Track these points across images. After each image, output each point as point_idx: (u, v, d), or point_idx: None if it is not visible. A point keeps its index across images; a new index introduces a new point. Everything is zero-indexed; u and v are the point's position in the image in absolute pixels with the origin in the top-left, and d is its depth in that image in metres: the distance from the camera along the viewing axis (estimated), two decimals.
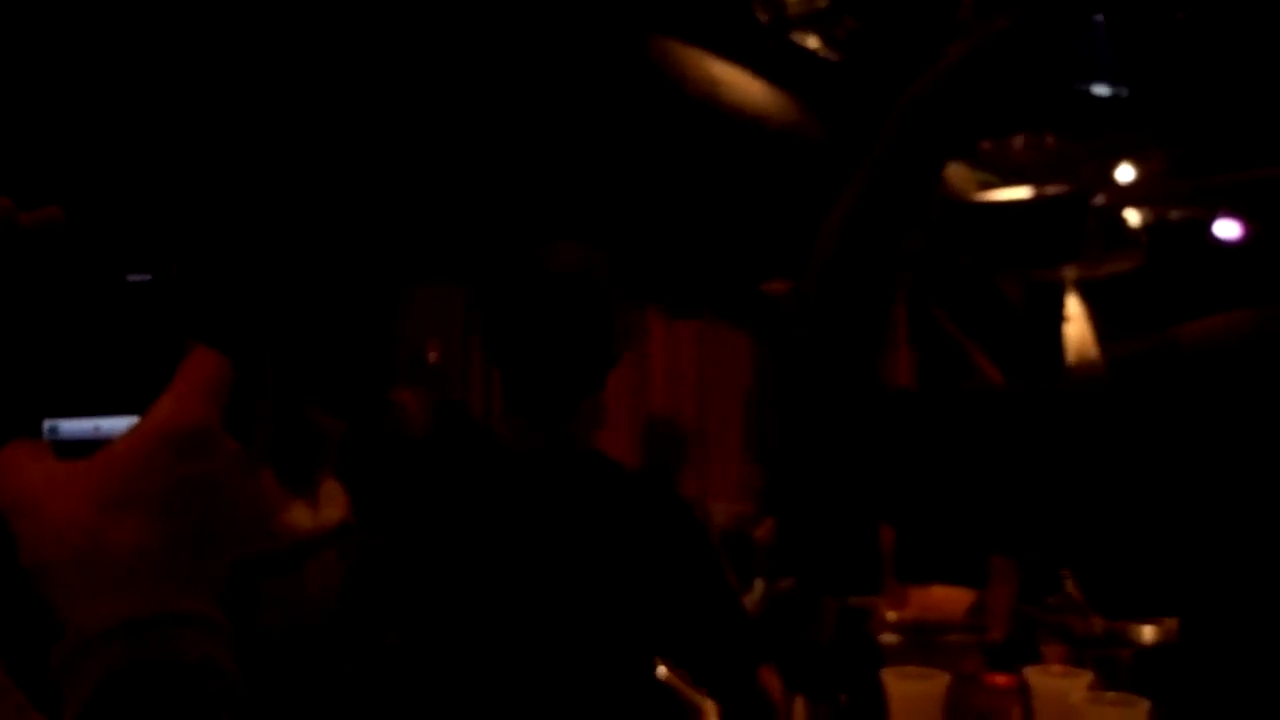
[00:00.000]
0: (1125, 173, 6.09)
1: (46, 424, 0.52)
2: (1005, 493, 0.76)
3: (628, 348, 1.63)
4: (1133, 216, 6.61)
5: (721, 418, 6.44)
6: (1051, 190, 6.16)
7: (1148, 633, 1.89)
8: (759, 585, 3.46)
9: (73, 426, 0.52)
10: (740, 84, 4.72)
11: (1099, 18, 0.83)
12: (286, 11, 3.60)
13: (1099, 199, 6.29)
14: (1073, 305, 7.57)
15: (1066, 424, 0.74)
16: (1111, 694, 1.49)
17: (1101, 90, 0.84)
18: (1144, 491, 0.71)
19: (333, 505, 3.63)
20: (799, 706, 1.99)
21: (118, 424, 0.51)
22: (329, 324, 4.60)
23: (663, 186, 4.86)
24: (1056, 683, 1.56)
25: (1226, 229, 6.53)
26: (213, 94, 3.57)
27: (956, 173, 5.99)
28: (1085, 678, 1.57)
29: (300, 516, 3.62)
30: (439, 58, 3.95)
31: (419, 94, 4.01)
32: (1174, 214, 6.61)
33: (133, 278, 0.53)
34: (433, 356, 5.14)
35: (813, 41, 4.58)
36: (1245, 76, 4.48)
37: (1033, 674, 1.59)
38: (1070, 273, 7.34)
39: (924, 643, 1.97)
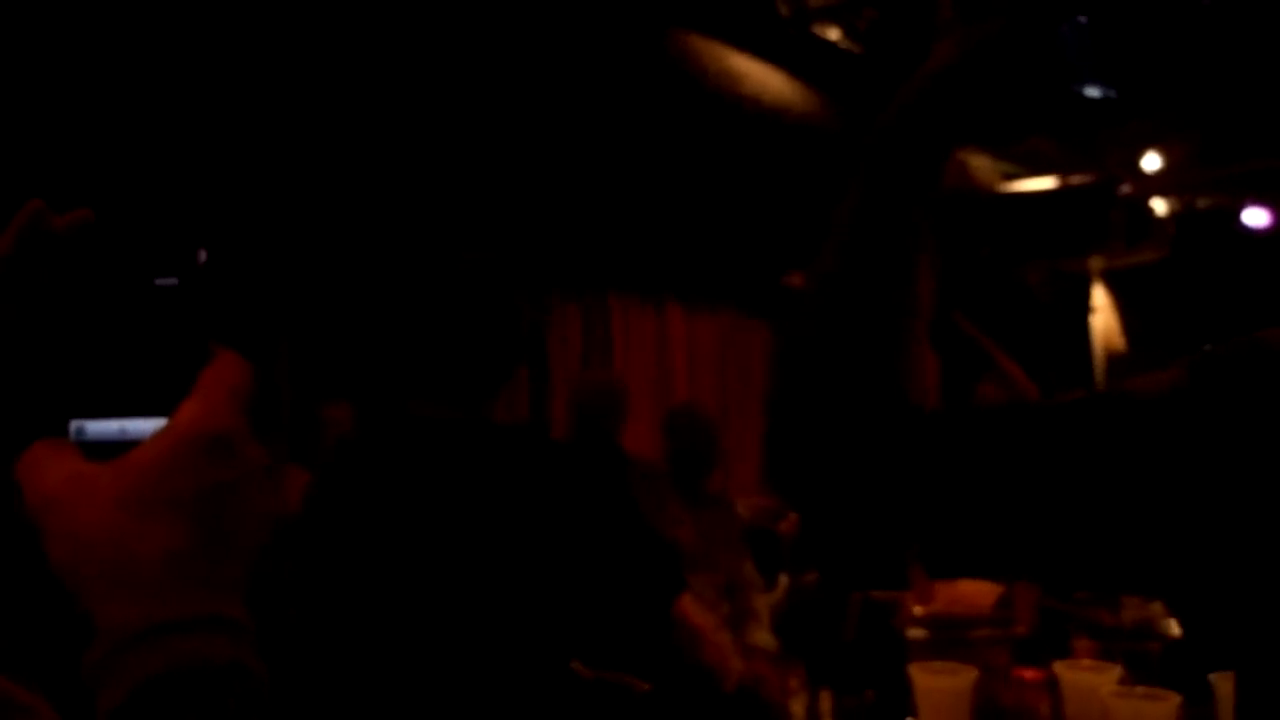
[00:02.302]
0: (1152, 161, 6.03)
1: (73, 425, 0.52)
2: (1083, 514, 0.68)
3: (528, 344, 1.74)
4: (1159, 206, 6.54)
5: (744, 412, 6.42)
6: (1077, 180, 6.11)
7: (1177, 626, 1.87)
8: (783, 580, 3.44)
9: (99, 428, 0.52)
10: (761, 76, 4.71)
11: (1083, 20, 0.81)
12: (314, 14, 3.61)
13: (1125, 188, 6.24)
14: (1099, 296, 7.52)
15: (1153, 434, 0.66)
16: (1141, 688, 1.47)
17: (1093, 92, 0.82)
18: (1245, 503, 0.63)
19: None
20: (826, 702, 1.98)
21: (144, 426, 0.52)
22: (346, 322, 4.62)
23: (684, 180, 4.86)
24: (1086, 677, 1.55)
25: (1255, 217, 6.45)
26: (241, 101, 3.60)
27: (981, 164, 5.96)
28: (1115, 672, 1.55)
29: None
30: (460, 54, 3.95)
31: (438, 91, 4.02)
32: (1201, 203, 6.54)
33: (160, 281, 0.53)
34: None
35: (834, 33, 4.55)
36: (1273, 64, 4.42)
37: (1062, 668, 1.58)
38: (1096, 263, 7.28)
39: (951, 637, 1.95)
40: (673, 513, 3.02)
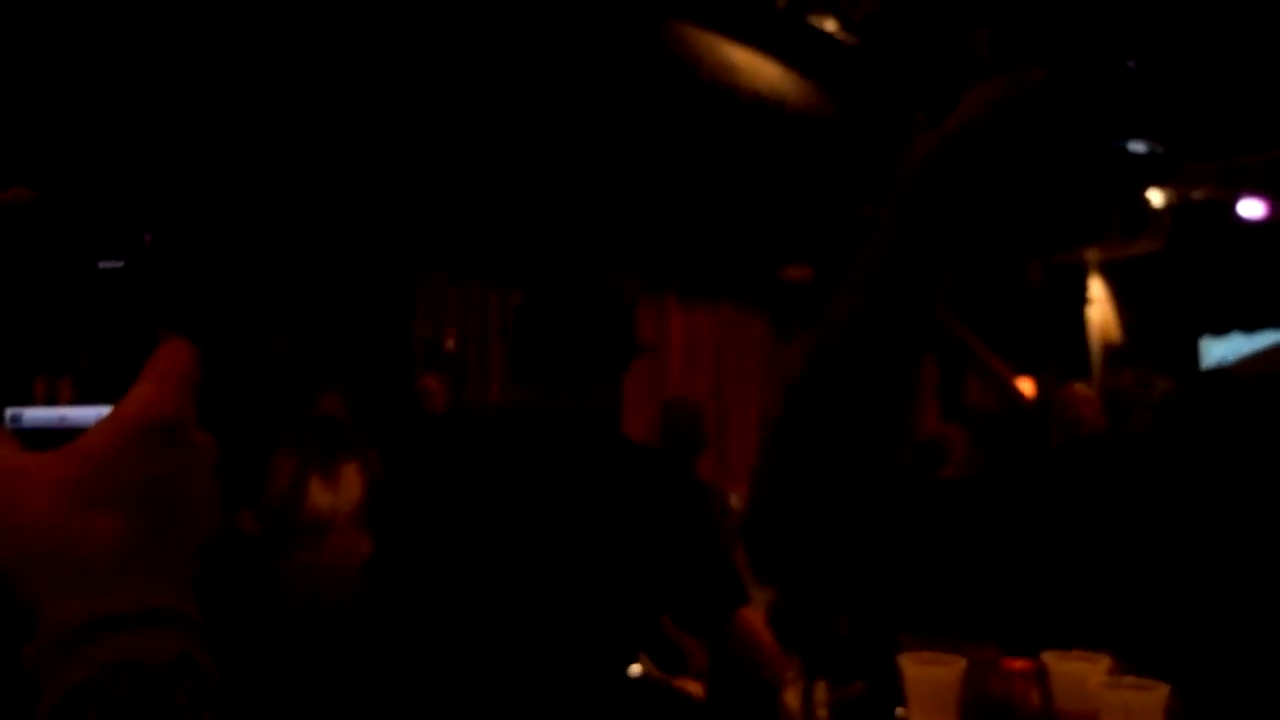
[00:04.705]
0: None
1: (8, 412, 0.50)
2: (1068, 572, 0.64)
3: (638, 348, 1.81)
4: (1156, 198, 6.54)
5: (739, 403, 6.42)
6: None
7: None
8: None
9: (37, 415, 0.50)
10: (756, 67, 4.69)
11: (1132, 64, 0.74)
12: None
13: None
14: (1096, 287, 7.52)
15: (1119, 483, 0.63)
16: (1130, 678, 1.47)
17: (1138, 148, 0.75)
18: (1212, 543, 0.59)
19: (351, 485, 3.67)
20: (821, 693, 1.98)
21: (85, 414, 0.50)
22: (347, 313, 4.62)
23: (679, 171, 4.85)
24: (1075, 667, 1.55)
25: (1250, 209, 6.45)
26: (209, 82, 3.55)
27: None
28: (1104, 662, 1.55)
29: (320, 497, 3.65)
30: (454, 44, 3.94)
31: (435, 81, 4.01)
32: (1197, 194, 6.54)
33: (105, 265, 0.51)
34: (449, 344, 5.16)
35: (830, 24, 4.55)
36: (1267, 56, 4.42)
37: (1051, 658, 1.58)
38: (1093, 255, 7.28)
39: None
40: None
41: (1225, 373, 0.65)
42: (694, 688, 1.96)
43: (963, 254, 0.76)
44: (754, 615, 1.66)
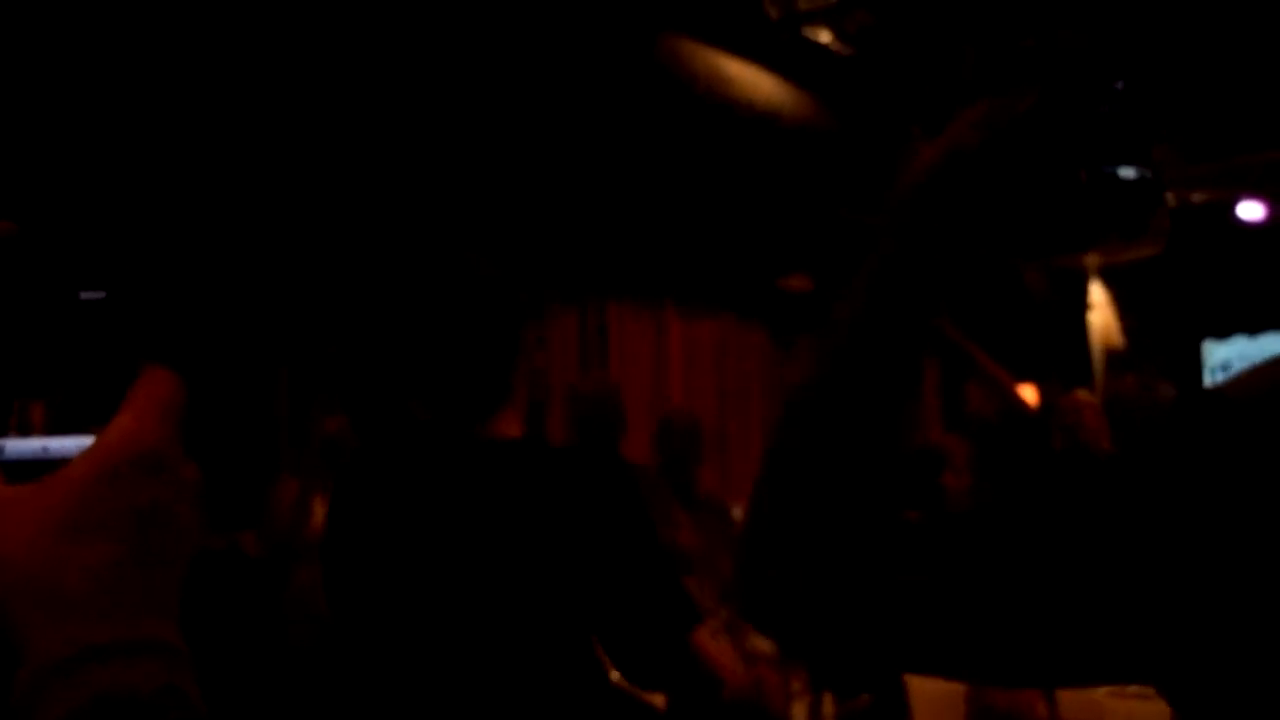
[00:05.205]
0: None
1: None
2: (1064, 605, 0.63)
3: (526, 350, 1.69)
4: None
5: (740, 412, 6.43)
6: None
7: None
8: None
9: (19, 446, 0.51)
10: (752, 80, 4.71)
11: (1120, 85, 0.73)
12: (298, 10, 3.57)
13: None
14: (1096, 293, 7.51)
15: (1103, 507, 0.62)
16: (1134, 688, 1.47)
17: (1128, 173, 0.75)
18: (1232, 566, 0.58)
19: None
20: (829, 705, 1.98)
21: (67, 444, 0.50)
22: (345, 332, 4.62)
23: (677, 184, 4.86)
24: None
25: (1249, 211, 6.45)
26: (197, 99, 3.55)
27: None
28: None
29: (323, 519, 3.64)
30: (450, 57, 3.95)
31: (430, 94, 4.02)
32: (1197, 197, 6.54)
33: (86, 295, 0.51)
34: None
35: (824, 36, 4.56)
36: (1266, 57, 4.43)
37: None
38: (1093, 260, 7.27)
39: None
40: (673, 517, 3.03)
41: (1218, 392, 0.64)
42: (658, 700, 1.94)
43: (964, 262, 0.76)
44: (705, 636, 1.60)
